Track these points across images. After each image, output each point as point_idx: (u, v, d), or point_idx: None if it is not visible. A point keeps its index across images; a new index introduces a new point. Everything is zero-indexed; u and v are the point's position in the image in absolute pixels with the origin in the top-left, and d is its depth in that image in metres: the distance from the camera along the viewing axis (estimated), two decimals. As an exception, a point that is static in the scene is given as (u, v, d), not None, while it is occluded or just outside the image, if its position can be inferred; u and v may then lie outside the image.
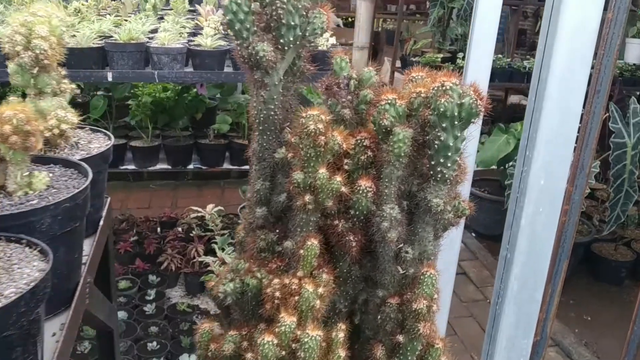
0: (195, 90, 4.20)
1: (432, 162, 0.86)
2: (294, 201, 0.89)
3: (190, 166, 5.44)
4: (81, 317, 0.97)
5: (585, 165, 1.56)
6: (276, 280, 0.90)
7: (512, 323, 1.50)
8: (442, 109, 0.82)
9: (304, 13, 0.86)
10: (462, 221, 1.04)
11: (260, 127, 0.92)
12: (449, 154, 0.84)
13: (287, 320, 0.87)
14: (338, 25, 9.04)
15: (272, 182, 0.97)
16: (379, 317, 0.96)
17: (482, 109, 0.82)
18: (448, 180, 0.87)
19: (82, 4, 2.93)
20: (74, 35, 2.24)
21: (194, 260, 3.83)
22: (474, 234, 4.82)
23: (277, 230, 0.97)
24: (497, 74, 5.27)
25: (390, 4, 8.45)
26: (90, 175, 0.95)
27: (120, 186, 5.14)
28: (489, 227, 4.75)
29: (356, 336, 1.04)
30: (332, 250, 0.96)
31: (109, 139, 1.18)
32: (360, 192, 0.87)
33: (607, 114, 3.98)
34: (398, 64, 5.84)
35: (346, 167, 0.89)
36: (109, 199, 1.24)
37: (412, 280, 0.94)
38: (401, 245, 0.92)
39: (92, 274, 1.04)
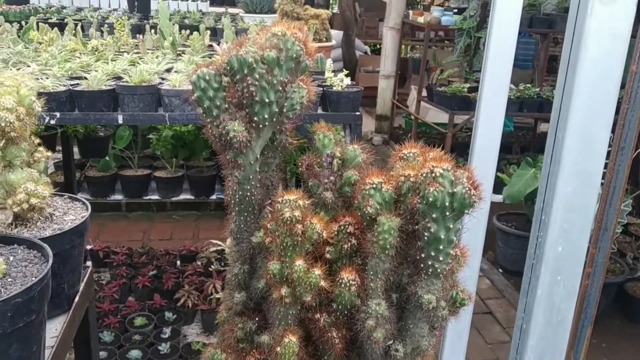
0: (215, 123, 4.18)
1: (423, 255, 0.77)
2: (270, 292, 0.81)
3: (213, 197, 5.43)
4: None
5: (609, 226, 1.44)
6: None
7: (541, 322, 1.37)
8: (431, 199, 0.73)
9: (280, 88, 0.79)
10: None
11: (237, 208, 0.85)
12: (441, 246, 0.75)
13: None
14: (366, 53, 9.02)
15: (251, 265, 0.90)
16: (367, 418, 0.86)
17: (476, 199, 0.73)
18: (441, 275, 0.78)
19: (101, 42, 2.94)
20: (86, 78, 2.22)
21: (212, 296, 3.77)
22: (501, 270, 4.66)
23: (257, 319, 0.89)
24: (526, 104, 5.13)
25: (418, 30, 8.40)
26: (50, 262, 0.88)
27: (144, 217, 5.14)
28: (517, 263, 4.58)
29: None
30: (315, 343, 0.87)
31: (87, 209, 1.12)
32: (343, 285, 0.79)
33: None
34: (424, 93, 5.76)
35: (328, 255, 0.81)
36: (89, 270, 1.18)
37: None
38: (390, 343, 0.83)
39: (62, 351, 0.97)
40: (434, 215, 0.74)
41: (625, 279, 4.25)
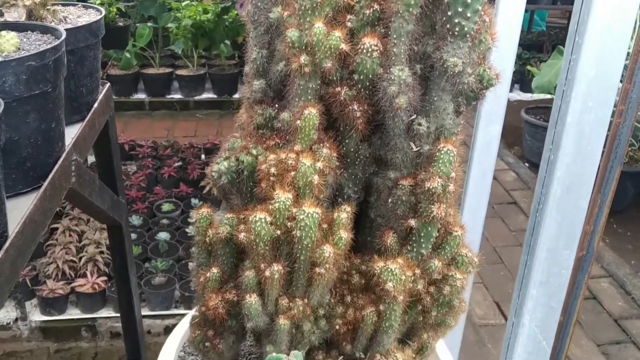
0: (235, 12, 4.08)
1: (449, 13, 0.73)
2: (290, 65, 0.78)
3: (236, 95, 5.39)
4: (63, 194, 0.91)
5: (647, 58, 1.37)
6: (272, 156, 0.81)
7: (553, 232, 1.37)
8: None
9: None
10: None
11: (254, -16, 0.81)
12: (469, 0, 0.71)
13: (282, 196, 0.78)
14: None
15: (269, 49, 0.87)
16: (389, 200, 0.85)
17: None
18: (468, 35, 0.74)
19: None
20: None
21: (236, 185, 3.79)
22: (527, 164, 4.61)
23: (277, 105, 0.87)
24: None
25: None
26: (63, 36, 0.87)
27: (167, 115, 5.15)
28: (544, 157, 4.51)
29: (367, 228, 0.95)
30: (336, 126, 0.85)
31: (100, 13, 1.09)
32: (365, 51, 0.75)
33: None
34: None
35: (349, 24, 0.77)
36: (107, 85, 1.16)
37: (426, 159, 0.83)
38: (413, 117, 0.80)
39: (81, 153, 0.98)
40: (462, -35, 0.69)
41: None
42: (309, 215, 0.76)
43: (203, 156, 4.28)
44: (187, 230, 3.39)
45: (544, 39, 6.29)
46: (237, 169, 0.86)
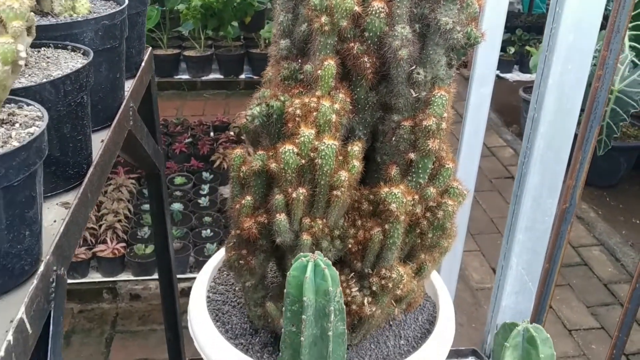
0: (243, -7, 4.23)
1: (442, -19, 0.90)
2: (312, 25, 0.96)
3: (242, 76, 5.55)
4: (124, 135, 1.09)
5: (621, 28, 1.54)
6: (297, 101, 0.99)
7: (537, 183, 1.55)
8: None
9: None
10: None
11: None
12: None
13: (306, 132, 0.96)
14: None
15: (294, 13, 1.04)
16: (393, 139, 1.03)
17: None
18: (457, 0, 0.91)
19: None
20: None
21: (245, 159, 3.96)
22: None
23: (300, 61, 1.05)
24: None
25: None
26: (126, 2, 1.05)
27: (176, 96, 5.31)
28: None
29: (374, 171, 1.13)
30: (349, 78, 1.03)
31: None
32: (374, 12, 0.93)
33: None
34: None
35: (360, -10, 0.95)
36: (150, 49, 1.35)
37: (424, 103, 1.01)
38: (413, 67, 0.98)
39: (135, 102, 1.16)
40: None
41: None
42: (329, 146, 0.94)
43: (212, 133, 4.45)
44: (199, 201, 3.58)
45: (544, 21, 6.42)
46: (267, 112, 1.03)
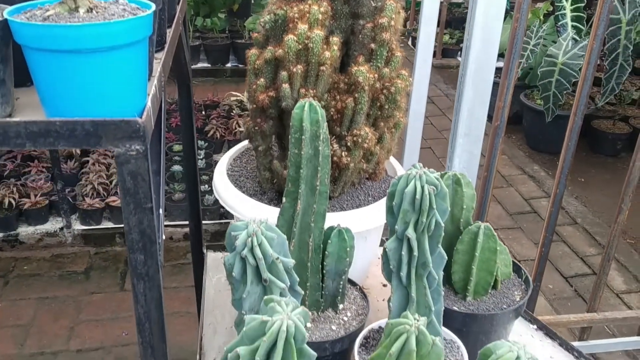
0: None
1: None
2: (304, -44, 1.45)
3: (229, 64, 6.03)
4: (179, 32, 1.55)
5: (531, -20, 2.06)
6: (295, 8, 1.48)
7: (471, 96, 2.06)
8: None
9: None
10: None
11: None
12: None
13: (302, 26, 1.44)
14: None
15: (291, -48, 1.53)
16: (359, 36, 1.52)
17: None
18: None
19: None
20: None
21: (235, 130, 4.46)
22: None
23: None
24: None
25: None
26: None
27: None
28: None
29: (348, 64, 1.61)
30: (330, -6, 1.52)
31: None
32: (345, -54, 1.42)
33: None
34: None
35: None
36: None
37: (380, 10, 1.50)
38: (372, -15, 1.47)
39: (181, 13, 1.63)
40: None
41: (591, 113, 4.90)
42: (317, 34, 1.43)
43: (203, 111, 4.90)
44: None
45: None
46: (275, 19, 1.52)
